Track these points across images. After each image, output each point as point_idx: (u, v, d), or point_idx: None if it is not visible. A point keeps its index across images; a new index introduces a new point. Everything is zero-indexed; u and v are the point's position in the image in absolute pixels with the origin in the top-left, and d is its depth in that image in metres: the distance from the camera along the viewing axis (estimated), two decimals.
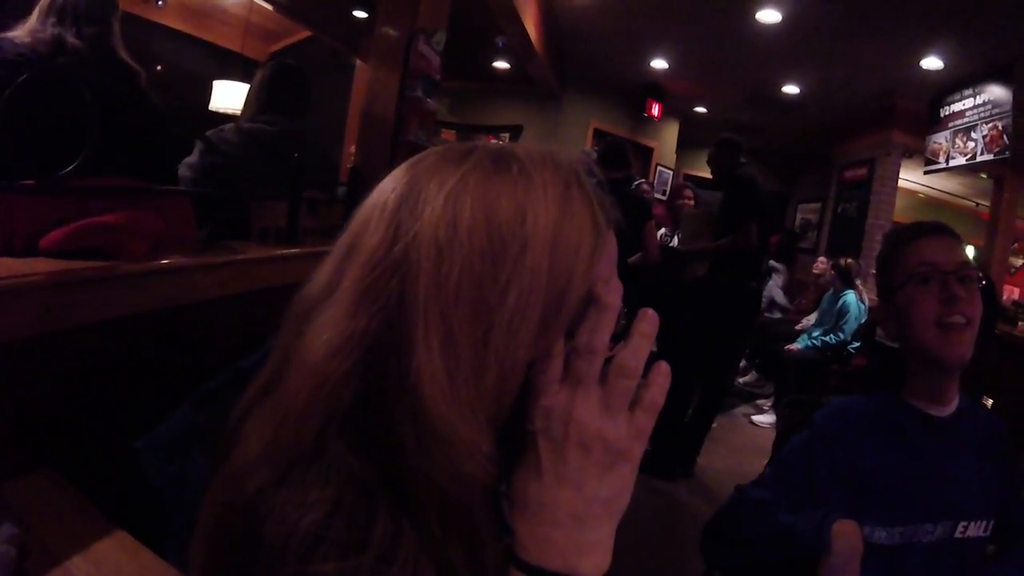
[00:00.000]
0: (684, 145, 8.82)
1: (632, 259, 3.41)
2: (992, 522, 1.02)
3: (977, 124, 4.62)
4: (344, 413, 0.41)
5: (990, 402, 5.19)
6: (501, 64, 6.00)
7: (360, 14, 5.21)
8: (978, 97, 4.66)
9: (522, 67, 5.78)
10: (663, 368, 0.44)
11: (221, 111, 4.76)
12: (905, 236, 1.08)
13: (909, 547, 0.97)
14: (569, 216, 0.44)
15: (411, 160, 0.48)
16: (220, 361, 0.86)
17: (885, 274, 1.09)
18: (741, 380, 5.23)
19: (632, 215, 3.25)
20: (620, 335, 0.44)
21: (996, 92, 4.47)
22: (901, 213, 7.76)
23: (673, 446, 3.25)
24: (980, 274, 1.02)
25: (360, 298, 0.42)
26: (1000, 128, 4.37)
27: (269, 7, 5.19)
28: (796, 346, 4.63)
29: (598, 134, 7.35)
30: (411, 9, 2.68)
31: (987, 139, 4.48)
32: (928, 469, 1.01)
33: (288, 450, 0.41)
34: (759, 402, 4.84)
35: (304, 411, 0.41)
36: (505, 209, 0.42)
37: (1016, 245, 9.99)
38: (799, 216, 8.98)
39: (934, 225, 1.08)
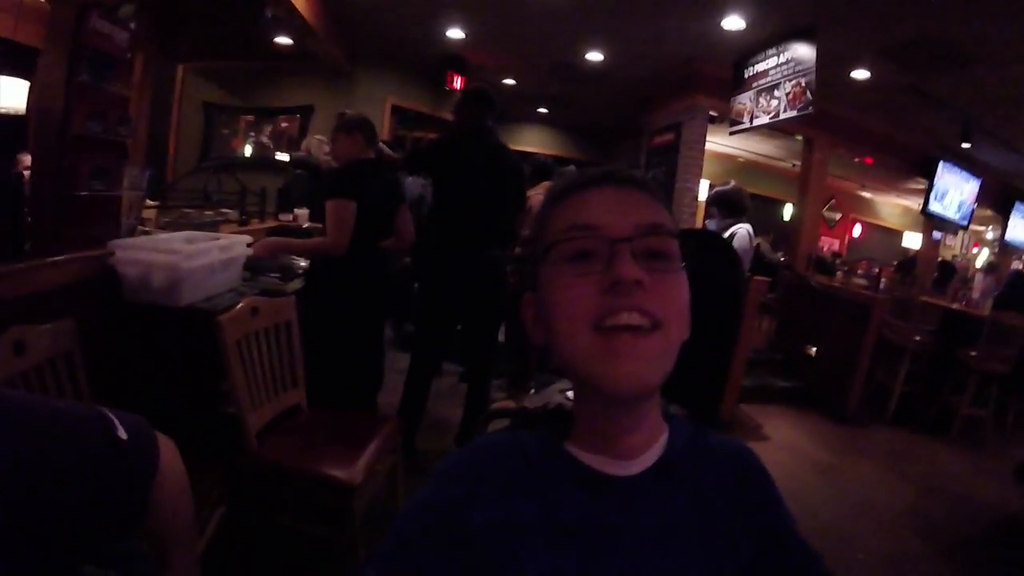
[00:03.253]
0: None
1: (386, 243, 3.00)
2: None
3: (780, 82, 4.53)
4: None
5: (814, 350, 5.36)
6: (283, 40, 5.19)
7: None
8: (781, 56, 4.58)
9: (303, 43, 5.02)
10: None
11: None
12: (560, 191, 0.66)
13: None
14: None
15: None
16: None
17: (531, 249, 0.67)
18: None
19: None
20: None
21: (799, 50, 4.40)
22: (720, 177, 7.91)
23: None
24: (679, 239, 0.61)
25: None
26: (803, 85, 4.30)
27: None
28: None
29: (396, 111, 6.84)
30: None
31: (790, 96, 4.40)
32: (602, 563, 0.57)
33: None
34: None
35: None
36: None
37: (832, 201, 10.78)
38: None
39: (605, 173, 0.64)
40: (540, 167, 4.32)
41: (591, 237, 0.59)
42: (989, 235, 9.52)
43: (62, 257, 1.91)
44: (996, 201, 8.45)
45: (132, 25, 2.24)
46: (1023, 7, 3.59)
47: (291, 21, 4.48)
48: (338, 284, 2.78)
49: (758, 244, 7.09)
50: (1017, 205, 8.41)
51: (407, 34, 5.77)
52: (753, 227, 3.94)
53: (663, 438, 0.65)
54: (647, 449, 0.63)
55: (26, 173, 2.66)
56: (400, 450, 2.30)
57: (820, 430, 4.54)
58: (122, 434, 0.78)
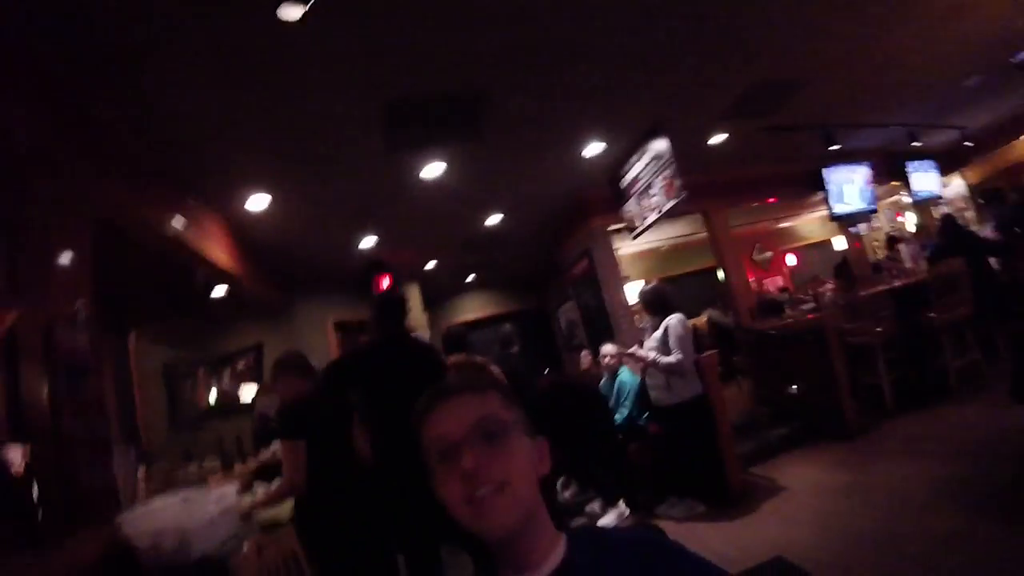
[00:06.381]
0: (431, 304, 9.23)
1: None
2: None
3: (652, 181, 5.11)
4: None
5: (795, 388, 5.45)
6: (218, 294, 5.63)
7: None
8: (643, 158, 5.19)
9: (240, 292, 5.48)
10: None
11: None
12: (420, 410, 0.95)
13: None
14: None
15: None
16: None
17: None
18: (566, 495, 4.98)
19: None
20: None
21: (656, 147, 4.99)
22: (650, 273, 8.46)
23: None
24: (504, 420, 0.91)
25: None
26: (669, 177, 4.88)
27: None
28: None
29: (339, 326, 7.26)
30: (41, 291, 2.33)
31: (664, 189, 4.98)
32: None
33: None
34: (589, 508, 4.63)
35: None
36: None
37: (758, 245, 11.25)
38: (563, 320, 9.60)
39: (440, 389, 0.95)
40: (454, 339, 4.27)
41: (444, 444, 0.87)
42: (907, 199, 9.84)
43: (76, 540, 2.06)
44: (892, 171, 8.69)
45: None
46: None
47: (221, 279, 4.93)
48: (324, 515, 2.85)
49: (708, 316, 7.42)
50: (908, 164, 8.70)
51: (328, 255, 6.38)
52: (701, 299, 4.24)
53: (560, 546, 0.89)
54: (545, 559, 0.87)
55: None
56: None
57: (831, 457, 4.56)
58: None
